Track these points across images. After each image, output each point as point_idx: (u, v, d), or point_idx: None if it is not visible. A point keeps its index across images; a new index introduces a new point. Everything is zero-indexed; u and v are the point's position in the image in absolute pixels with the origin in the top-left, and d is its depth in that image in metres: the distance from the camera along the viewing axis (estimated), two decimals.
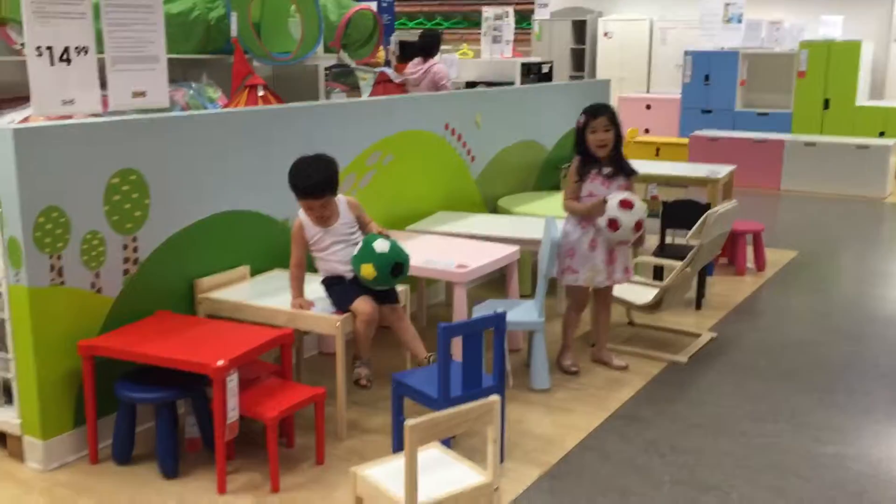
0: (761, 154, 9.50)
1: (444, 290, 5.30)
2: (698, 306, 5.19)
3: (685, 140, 10.11)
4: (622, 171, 4.03)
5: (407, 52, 12.17)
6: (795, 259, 6.42)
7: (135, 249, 3.48)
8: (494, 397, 2.54)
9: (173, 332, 3.34)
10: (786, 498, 3.06)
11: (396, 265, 3.42)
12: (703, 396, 3.93)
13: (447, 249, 4.29)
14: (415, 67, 8.20)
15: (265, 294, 3.74)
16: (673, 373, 4.21)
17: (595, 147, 3.97)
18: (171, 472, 3.20)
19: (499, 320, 3.20)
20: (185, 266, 3.71)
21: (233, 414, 3.07)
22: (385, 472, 2.61)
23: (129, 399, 3.20)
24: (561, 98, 6.67)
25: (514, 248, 4.34)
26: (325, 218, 3.55)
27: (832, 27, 10.66)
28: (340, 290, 3.53)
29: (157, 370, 3.25)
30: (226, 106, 4.65)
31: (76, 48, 3.05)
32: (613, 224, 3.88)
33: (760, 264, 6.05)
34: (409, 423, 2.36)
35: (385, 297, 3.57)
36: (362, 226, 3.68)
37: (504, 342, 3.22)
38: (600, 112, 3.97)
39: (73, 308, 3.27)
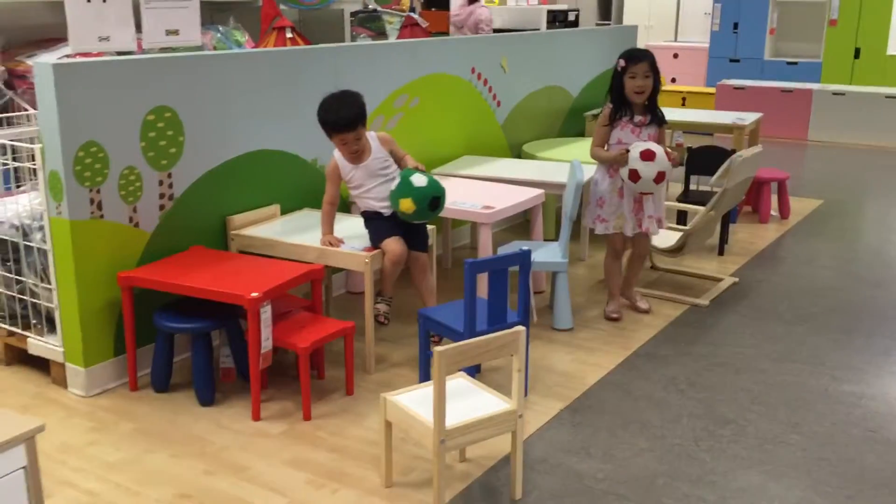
0: (789, 104, 9.42)
1: (470, 232, 5.37)
2: (721, 252, 5.23)
3: (712, 89, 10.03)
4: (654, 119, 3.99)
5: None
6: (820, 208, 6.42)
7: (170, 186, 3.58)
8: (520, 327, 2.63)
9: (208, 265, 3.45)
10: (800, 432, 3.14)
11: (434, 199, 3.52)
12: (723, 338, 4.00)
13: (473, 192, 4.35)
14: (459, 10, 8.24)
15: (296, 232, 3.83)
16: (694, 315, 4.28)
17: (632, 93, 3.89)
18: (207, 399, 3.34)
19: (524, 258, 3.28)
20: (218, 203, 3.81)
21: (266, 344, 3.19)
22: (414, 399, 2.72)
23: (166, 329, 3.32)
24: (587, 44, 6.64)
25: (538, 192, 4.40)
26: (358, 153, 3.63)
27: None
28: (375, 227, 3.63)
29: (194, 302, 3.38)
30: (254, 48, 4.70)
31: None
32: (634, 175, 3.85)
33: (785, 212, 6.06)
34: (438, 349, 2.46)
35: (415, 243, 3.66)
36: (397, 160, 3.75)
37: (529, 279, 3.30)
38: (642, 57, 3.87)
39: (112, 241, 3.39)
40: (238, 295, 3.14)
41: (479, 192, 4.36)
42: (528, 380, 3.42)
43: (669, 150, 3.91)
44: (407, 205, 3.48)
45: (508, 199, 4.24)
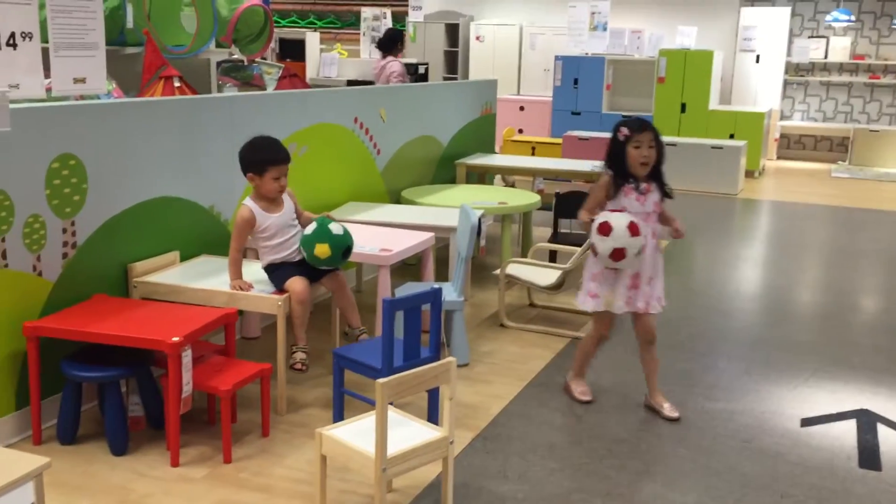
0: None
1: (355, 276, 5.52)
2: None
3: (558, 140, 10.69)
4: (659, 189, 3.68)
5: (286, 49, 12.28)
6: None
7: (73, 234, 3.53)
8: (451, 358, 2.82)
9: (116, 313, 3.42)
10: (686, 446, 3.50)
11: (347, 248, 3.70)
12: (605, 364, 4.35)
13: (367, 236, 4.52)
14: (376, 63, 8.57)
15: (199, 277, 3.86)
16: (576, 347, 4.61)
17: (637, 164, 3.58)
18: (121, 448, 3.29)
19: (435, 295, 3.48)
20: (119, 251, 3.78)
21: (187, 388, 3.20)
22: (349, 432, 2.84)
23: (76, 378, 3.26)
24: (454, 96, 7.01)
25: (429, 235, 4.63)
26: (278, 201, 3.78)
27: (687, 37, 11.57)
28: (281, 273, 3.72)
29: (96, 351, 3.34)
30: (141, 95, 4.69)
31: (22, 33, 3.09)
32: (592, 248, 3.63)
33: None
34: (381, 381, 2.61)
35: (322, 273, 3.81)
36: (297, 214, 3.89)
37: (441, 315, 3.50)
38: (646, 127, 3.60)
39: (15, 291, 3.30)
40: (158, 340, 3.14)
41: (372, 236, 4.53)
42: (438, 411, 3.59)
43: (637, 224, 3.52)
44: (323, 250, 3.62)
45: (403, 242, 4.43)
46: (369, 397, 3.67)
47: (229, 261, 3.75)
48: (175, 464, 3.22)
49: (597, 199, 3.72)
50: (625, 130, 3.61)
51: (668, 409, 3.75)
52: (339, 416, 3.59)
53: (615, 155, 3.65)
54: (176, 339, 3.12)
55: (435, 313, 3.48)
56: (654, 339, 3.80)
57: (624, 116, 11.58)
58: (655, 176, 3.67)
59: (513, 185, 7.36)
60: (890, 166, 12.23)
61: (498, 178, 7.74)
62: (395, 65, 8.29)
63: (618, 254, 3.53)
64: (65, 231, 3.49)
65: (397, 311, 3.36)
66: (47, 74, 3.30)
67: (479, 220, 4.80)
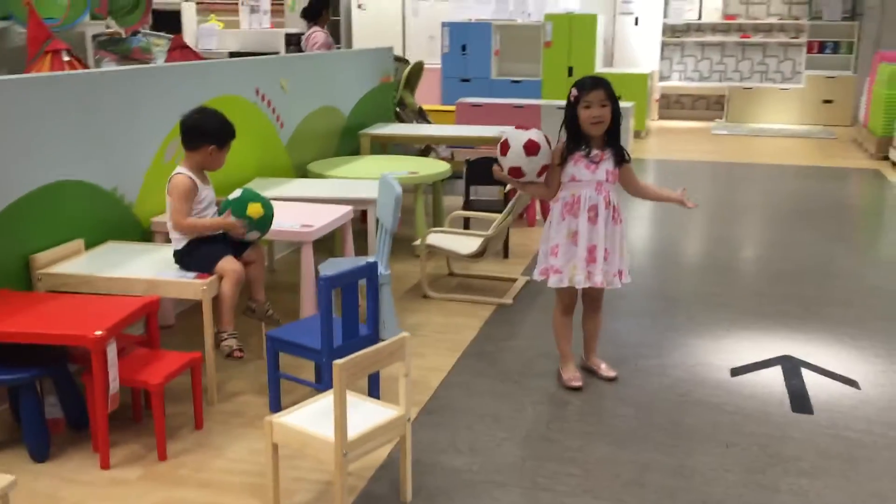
0: (521, 117, 10.23)
1: (267, 254, 5.30)
2: (506, 255, 5.64)
3: (451, 107, 10.64)
4: (614, 155, 3.52)
5: (161, 22, 11.66)
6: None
7: None
8: (405, 334, 2.72)
9: (25, 308, 3.14)
10: (628, 404, 3.53)
11: (272, 215, 3.58)
12: (535, 331, 4.34)
13: (284, 213, 4.33)
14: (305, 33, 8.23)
15: (110, 265, 3.60)
16: (503, 313, 4.60)
17: (588, 124, 3.42)
18: (42, 454, 3.04)
19: (371, 270, 3.36)
20: (19, 241, 3.47)
21: (114, 385, 2.98)
22: (302, 418, 2.71)
23: None
24: (352, 65, 6.82)
25: (348, 209, 4.48)
26: (205, 176, 3.63)
27: (571, 1, 11.68)
28: (204, 252, 3.51)
29: (8, 351, 3.06)
30: (28, 72, 4.32)
31: None
32: (516, 172, 3.51)
33: (546, 215, 6.64)
34: (338, 362, 2.49)
35: (245, 246, 3.64)
36: None
37: (378, 291, 3.39)
38: (596, 84, 3.43)
39: None
40: (79, 335, 2.90)
41: (289, 212, 4.34)
42: (378, 388, 3.49)
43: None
44: (256, 209, 3.54)
45: (322, 217, 4.27)
46: (307, 380, 3.54)
47: (189, 225, 3.53)
48: (105, 466, 3.00)
49: (553, 172, 3.56)
50: (574, 91, 3.45)
51: (604, 370, 3.76)
52: (275, 402, 3.44)
53: (567, 119, 3.49)
54: (99, 332, 2.89)
55: (372, 288, 3.37)
56: (599, 308, 3.76)
57: (513, 82, 11.69)
58: (610, 142, 3.51)
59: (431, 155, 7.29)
60: (763, 121, 12.81)
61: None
62: (318, 35, 7.99)
63: (515, 172, 3.51)
64: None
65: (334, 288, 3.23)
66: None
67: None
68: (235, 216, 3.53)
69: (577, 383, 3.65)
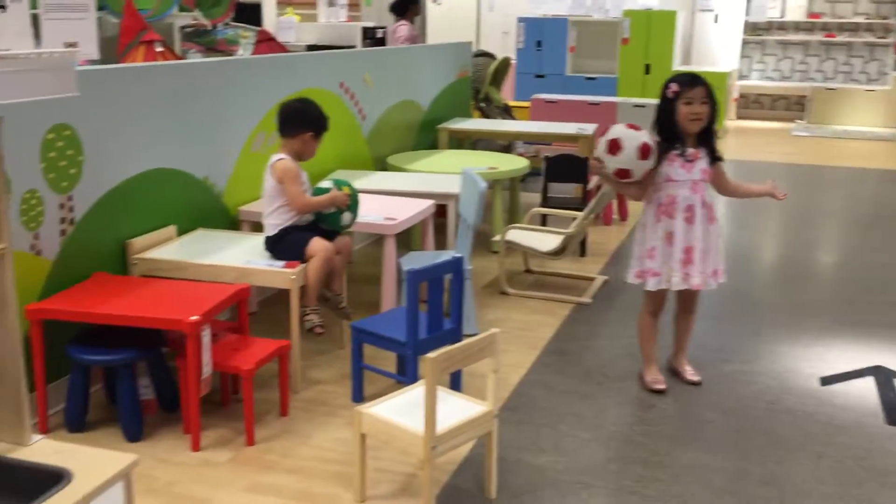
0: (596, 115, 10.12)
1: None
2: (583, 254, 5.59)
3: (526, 103, 10.59)
4: (708, 154, 3.45)
5: (241, 14, 11.87)
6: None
7: (70, 209, 3.32)
8: (495, 331, 2.71)
9: (123, 292, 3.23)
10: (712, 408, 3.47)
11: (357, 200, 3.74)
12: (616, 331, 4.30)
13: (367, 205, 4.36)
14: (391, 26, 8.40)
15: (201, 252, 3.67)
16: (582, 312, 4.56)
17: (687, 121, 3.34)
18: (136, 434, 3.12)
19: (457, 264, 3.36)
20: (116, 226, 3.57)
21: (206, 369, 3.04)
22: (389, 409, 2.73)
23: (86, 362, 3.08)
24: (432, 59, 6.83)
25: (430, 203, 4.49)
26: (304, 160, 3.70)
27: None
28: (293, 239, 3.57)
29: (101, 332, 3.16)
30: (122, 62, 4.44)
31: None
32: (623, 174, 3.40)
33: (624, 214, 6.57)
34: (430, 356, 2.49)
35: (332, 234, 3.71)
36: None
37: (462, 286, 3.39)
38: (697, 82, 3.34)
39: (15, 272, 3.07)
40: (176, 320, 2.97)
41: (372, 205, 4.37)
42: (460, 383, 3.49)
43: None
44: (346, 190, 3.65)
45: (405, 210, 4.30)
46: (389, 371, 3.57)
47: (308, 203, 3.60)
48: (196, 448, 3.07)
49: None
50: (674, 86, 3.35)
51: (690, 373, 3.69)
52: (358, 392, 3.48)
53: (663, 115, 3.40)
54: (195, 317, 2.95)
55: (458, 283, 3.37)
56: (694, 309, 3.69)
57: (588, 78, 11.57)
58: (705, 140, 3.43)
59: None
60: (846, 123, 12.43)
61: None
62: (402, 28, 8.08)
63: (622, 174, 3.40)
64: (62, 206, 3.27)
65: (421, 281, 3.24)
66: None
67: None
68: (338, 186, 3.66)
69: (661, 386, 3.59)
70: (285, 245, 3.57)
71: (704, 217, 3.46)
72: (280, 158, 3.58)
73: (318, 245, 3.52)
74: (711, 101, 3.36)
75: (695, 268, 3.45)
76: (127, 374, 3.09)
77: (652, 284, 3.51)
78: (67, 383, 3.15)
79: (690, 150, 3.42)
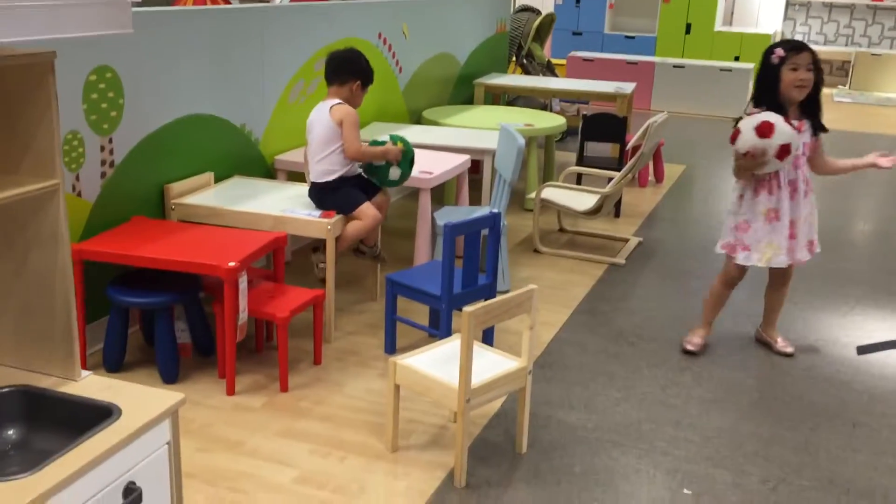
0: (633, 75, 9.99)
1: None
2: (617, 214, 5.54)
3: (562, 60, 10.44)
4: (813, 125, 3.33)
5: None
6: (686, 172, 6.93)
7: (111, 152, 3.33)
8: (533, 287, 2.70)
9: (161, 236, 3.25)
10: (747, 374, 3.45)
11: (413, 157, 3.72)
12: (648, 293, 4.27)
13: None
14: None
15: (238, 199, 3.68)
16: (615, 272, 4.53)
17: (792, 88, 3.19)
18: (172, 376, 3.17)
19: (494, 220, 3.35)
20: (155, 171, 3.59)
21: (243, 315, 3.07)
22: (424, 361, 2.74)
23: (126, 304, 3.11)
24: (470, 12, 6.73)
25: (465, 157, 4.46)
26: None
27: None
28: (347, 192, 3.56)
29: (139, 275, 3.19)
30: (174, 5, 4.41)
31: None
32: (785, 149, 3.17)
33: (660, 177, 6.49)
34: (468, 309, 2.49)
35: (375, 189, 3.71)
36: None
37: (499, 242, 3.38)
38: (804, 47, 3.22)
39: None
40: (214, 265, 2.99)
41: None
42: (492, 338, 3.49)
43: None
44: (400, 146, 3.64)
45: (441, 164, 4.27)
46: (422, 324, 3.58)
47: (363, 151, 3.57)
48: (231, 392, 3.11)
49: None
50: (780, 51, 3.20)
51: (781, 344, 3.62)
52: (391, 344, 3.49)
53: (766, 82, 3.24)
54: (232, 263, 2.97)
55: (493, 239, 3.35)
56: (787, 282, 3.59)
57: (627, 37, 11.37)
58: (809, 111, 3.29)
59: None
60: (890, 91, 12.13)
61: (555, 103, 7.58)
62: None
63: (784, 150, 3.15)
64: (102, 149, 3.29)
65: (458, 236, 3.23)
66: None
67: None
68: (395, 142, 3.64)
69: (692, 347, 3.57)
70: (338, 196, 3.55)
71: (805, 191, 3.37)
72: (339, 102, 3.56)
73: (369, 211, 3.54)
74: (817, 68, 3.23)
75: (798, 243, 3.38)
76: (164, 317, 3.13)
77: (742, 258, 3.40)
78: (106, 324, 3.19)
79: (795, 122, 3.23)
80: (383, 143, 3.64)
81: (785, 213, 3.32)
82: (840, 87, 12.50)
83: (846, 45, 12.66)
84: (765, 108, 3.23)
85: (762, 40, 10.88)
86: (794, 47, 3.23)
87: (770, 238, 3.35)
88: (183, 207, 3.60)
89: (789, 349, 3.61)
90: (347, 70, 3.58)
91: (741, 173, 3.33)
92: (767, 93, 3.25)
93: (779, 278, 3.59)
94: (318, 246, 3.69)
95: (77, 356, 1.74)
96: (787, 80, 3.21)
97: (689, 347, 3.58)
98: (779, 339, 3.65)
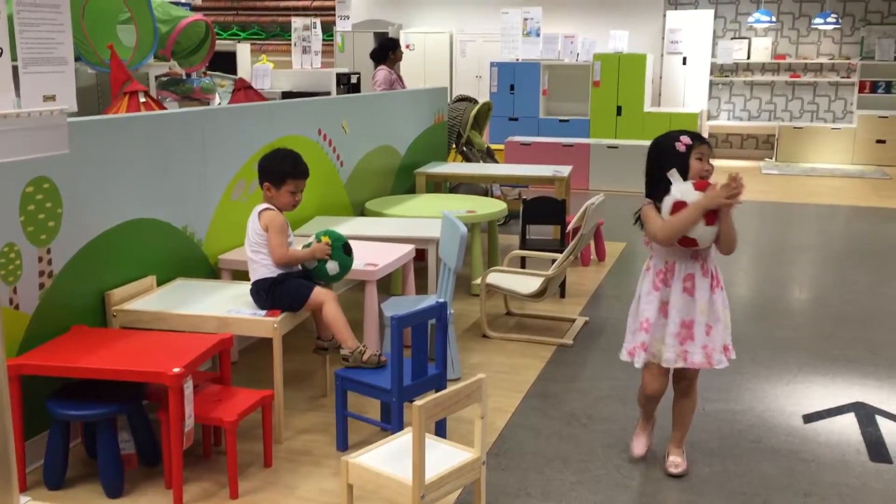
0: (570, 156, 10.27)
1: None
2: (562, 295, 5.61)
3: (500, 145, 10.70)
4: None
5: (216, 62, 11.93)
6: (626, 249, 7.08)
7: (49, 262, 3.29)
8: (482, 376, 2.71)
9: (102, 345, 3.19)
10: (699, 450, 3.47)
11: (346, 244, 3.69)
12: (598, 372, 4.30)
13: None
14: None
15: (181, 302, 3.65)
16: (564, 354, 4.56)
17: (698, 177, 3.01)
18: (117, 491, 3.07)
19: (441, 310, 3.36)
20: (95, 278, 3.54)
21: (189, 422, 3.00)
22: (376, 458, 2.70)
23: (66, 418, 3.02)
24: (408, 105, 6.90)
25: (410, 247, 4.51)
26: (287, 210, 3.67)
27: (620, 41, 11.73)
28: (294, 285, 3.54)
29: (80, 386, 3.12)
30: (106, 112, 4.44)
31: None
32: (689, 241, 3.01)
33: (601, 255, 6.61)
34: (418, 403, 2.48)
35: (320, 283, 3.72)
36: None
37: (446, 330, 3.39)
38: (704, 139, 3.11)
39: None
40: (158, 372, 2.94)
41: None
42: (445, 428, 3.47)
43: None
44: (325, 240, 3.62)
45: (386, 255, 4.30)
46: (374, 419, 3.54)
47: (290, 256, 3.54)
48: (179, 503, 3.01)
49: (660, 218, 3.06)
50: (686, 139, 3.03)
51: (670, 463, 3.25)
52: (343, 440, 3.45)
53: (660, 171, 3.04)
54: (177, 369, 2.92)
55: (441, 328, 3.37)
56: (691, 391, 3.24)
57: (561, 120, 11.72)
58: None
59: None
60: (814, 161, 12.67)
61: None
62: (379, 73, 8.18)
63: (688, 241, 2.99)
64: (41, 260, 3.24)
65: (405, 327, 3.24)
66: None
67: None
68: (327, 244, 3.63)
69: (634, 453, 3.34)
70: (285, 290, 3.53)
71: (707, 286, 3.09)
72: (267, 208, 3.58)
73: (321, 292, 3.56)
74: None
75: (695, 345, 3.06)
76: (107, 429, 3.04)
77: (640, 360, 3.15)
78: (46, 439, 3.09)
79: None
80: (310, 244, 3.64)
81: (676, 309, 3.06)
82: (767, 159, 13.01)
83: (770, 119, 13.23)
84: (658, 200, 3.04)
85: (690, 119, 11.33)
86: (697, 137, 3.08)
87: (662, 333, 3.10)
88: (125, 314, 3.55)
89: (676, 470, 3.23)
90: (260, 173, 3.63)
91: (678, 231, 2.99)
92: (659, 181, 3.04)
93: (679, 384, 3.24)
94: (323, 346, 3.76)
95: (15, 482, 1.69)
96: (696, 168, 3.02)
97: (633, 454, 3.34)
98: (670, 458, 3.26)
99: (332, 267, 3.63)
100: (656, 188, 3.09)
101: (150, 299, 3.68)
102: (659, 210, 3.06)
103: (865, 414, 3.80)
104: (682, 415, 3.28)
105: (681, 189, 2.98)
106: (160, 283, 3.89)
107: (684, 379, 3.23)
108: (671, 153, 3.05)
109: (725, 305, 3.15)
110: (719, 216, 2.98)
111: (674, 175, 3.02)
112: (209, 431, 3.37)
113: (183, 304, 3.61)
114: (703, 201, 2.93)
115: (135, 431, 3.23)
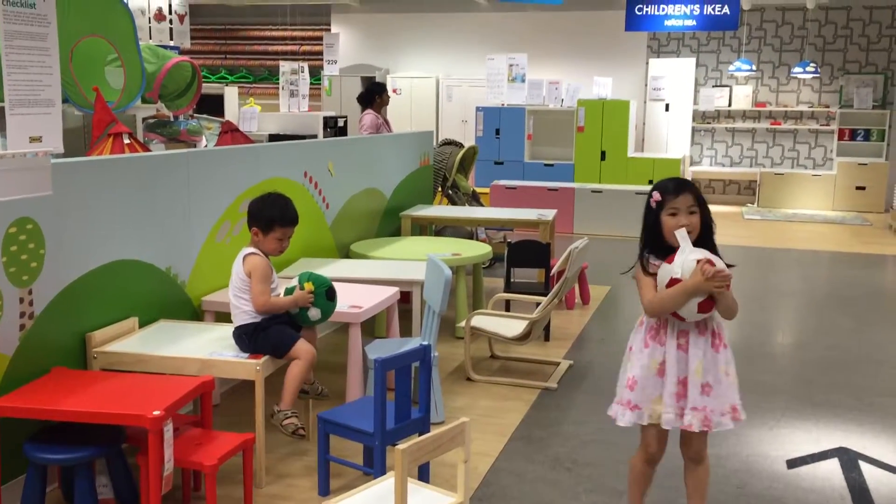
0: (554, 200, 10.35)
1: None
2: (547, 338, 5.61)
3: (486, 189, 10.77)
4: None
5: (203, 104, 12.01)
6: (610, 293, 7.10)
7: (30, 303, 3.27)
8: (465, 420, 2.70)
9: (82, 387, 3.16)
10: (683, 495, 3.42)
11: (330, 289, 3.63)
12: (582, 416, 4.29)
13: None
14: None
15: (163, 344, 3.62)
16: (548, 397, 4.55)
17: (672, 235, 2.78)
18: None
19: (425, 352, 3.36)
20: (77, 319, 3.52)
21: (168, 466, 2.97)
22: (357, 503, 2.67)
23: (44, 461, 2.98)
24: (394, 148, 6.95)
25: (394, 290, 4.51)
26: (274, 255, 3.66)
27: (604, 87, 11.91)
28: (278, 332, 3.51)
29: (59, 429, 3.08)
30: (91, 153, 4.45)
31: None
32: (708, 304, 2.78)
33: (586, 298, 6.63)
34: (401, 448, 2.46)
35: (300, 326, 3.68)
36: None
37: (430, 373, 3.38)
38: (682, 188, 2.79)
39: None
40: (137, 415, 2.90)
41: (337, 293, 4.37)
42: (428, 472, 3.44)
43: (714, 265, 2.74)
44: (308, 286, 3.56)
45: (370, 298, 4.30)
46: (357, 463, 3.51)
47: (269, 305, 3.51)
48: None
49: (650, 282, 2.90)
50: (656, 195, 2.80)
51: None
52: (324, 486, 3.41)
53: (649, 227, 2.85)
54: (157, 413, 2.89)
55: (425, 371, 3.36)
56: (702, 459, 2.99)
57: (546, 165, 11.83)
58: (709, 248, 2.82)
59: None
60: (795, 207, 12.82)
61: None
62: (366, 117, 8.25)
63: (706, 306, 2.79)
64: (22, 301, 3.22)
65: (389, 370, 3.23)
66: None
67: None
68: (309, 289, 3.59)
69: None
70: (270, 336, 3.51)
71: (706, 344, 2.86)
72: (252, 253, 3.58)
73: (303, 348, 3.50)
74: (703, 208, 2.81)
75: (689, 403, 2.84)
76: (85, 473, 3.00)
77: (630, 419, 2.90)
78: (23, 483, 3.04)
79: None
80: (293, 289, 3.61)
81: (672, 367, 2.83)
82: (749, 205, 13.14)
83: (751, 165, 13.40)
84: (648, 252, 2.90)
85: (672, 164, 11.47)
86: (670, 189, 2.80)
87: (656, 393, 2.87)
88: (105, 355, 3.52)
89: None
90: (249, 217, 3.64)
91: (666, 310, 2.84)
92: (652, 237, 2.87)
93: (687, 452, 3.01)
94: (304, 390, 3.73)
95: None
96: (668, 226, 2.79)
97: None
98: None
99: (314, 314, 3.61)
100: (645, 241, 2.91)
101: (131, 341, 3.65)
102: (645, 270, 2.91)
103: (849, 459, 3.80)
104: (697, 486, 3.00)
105: (683, 260, 2.75)
106: (142, 324, 3.87)
107: (692, 445, 2.97)
108: (647, 207, 2.87)
109: (730, 363, 2.90)
110: (715, 298, 2.78)
111: (682, 236, 2.76)
112: (189, 475, 3.33)
113: (165, 346, 3.58)
114: (690, 287, 2.73)
115: (113, 476, 3.18)
